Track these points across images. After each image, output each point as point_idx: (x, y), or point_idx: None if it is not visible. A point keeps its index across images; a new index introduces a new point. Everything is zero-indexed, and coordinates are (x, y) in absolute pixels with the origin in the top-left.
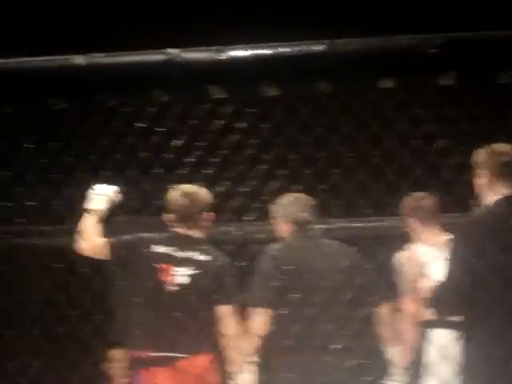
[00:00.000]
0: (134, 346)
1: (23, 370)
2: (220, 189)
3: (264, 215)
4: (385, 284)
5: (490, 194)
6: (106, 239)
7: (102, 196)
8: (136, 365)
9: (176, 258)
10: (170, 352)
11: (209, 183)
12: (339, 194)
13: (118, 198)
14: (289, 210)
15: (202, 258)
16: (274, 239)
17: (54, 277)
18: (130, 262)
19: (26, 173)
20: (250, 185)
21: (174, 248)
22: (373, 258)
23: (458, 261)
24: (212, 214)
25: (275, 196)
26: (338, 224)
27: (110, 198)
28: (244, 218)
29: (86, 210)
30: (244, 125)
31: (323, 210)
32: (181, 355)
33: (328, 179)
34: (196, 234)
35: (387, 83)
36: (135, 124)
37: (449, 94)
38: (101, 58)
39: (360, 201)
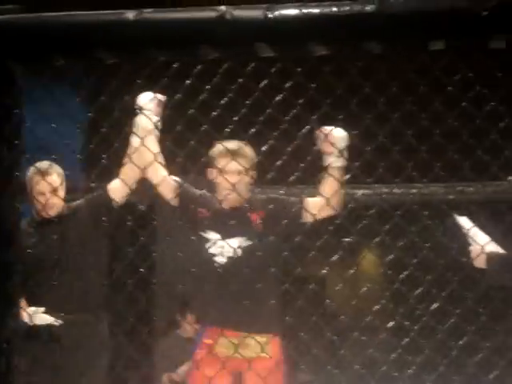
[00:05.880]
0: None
1: None
2: (264, 148)
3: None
4: None
5: None
6: (175, 179)
7: (148, 110)
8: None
9: None
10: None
11: (254, 141)
12: (385, 157)
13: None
14: None
15: None
16: None
17: None
18: None
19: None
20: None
21: None
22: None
23: None
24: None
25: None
26: (383, 189)
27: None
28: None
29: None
30: (291, 84)
31: (369, 173)
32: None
33: (374, 141)
34: None
35: (438, 45)
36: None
37: (500, 58)
38: (150, 14)
39: (406, 165)
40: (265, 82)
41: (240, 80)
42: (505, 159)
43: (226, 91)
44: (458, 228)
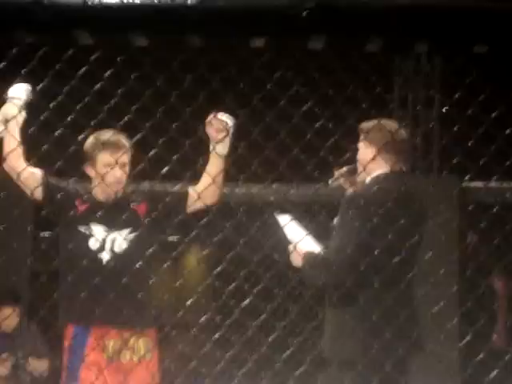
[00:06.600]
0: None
1: None
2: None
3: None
4: None
5: (374, 167)
6: (39, 171)
7: (18, 100)
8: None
9: None
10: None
11: (72, 132)
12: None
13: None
14: None
15: None
16: None
17: None
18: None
19: None
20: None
21: None
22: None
23: (350, 233)
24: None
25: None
26: None
27: (25, 100)
28: None
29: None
30: (109, 73)
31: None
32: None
33: (195, 135)
34: None
35: (258, 42)
36: None
37: (318, 58)
38: None
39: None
40: (83, 69)
41: (57, 66)
42: (325, 162)
43: (43, 77)
44: (276, 226)
